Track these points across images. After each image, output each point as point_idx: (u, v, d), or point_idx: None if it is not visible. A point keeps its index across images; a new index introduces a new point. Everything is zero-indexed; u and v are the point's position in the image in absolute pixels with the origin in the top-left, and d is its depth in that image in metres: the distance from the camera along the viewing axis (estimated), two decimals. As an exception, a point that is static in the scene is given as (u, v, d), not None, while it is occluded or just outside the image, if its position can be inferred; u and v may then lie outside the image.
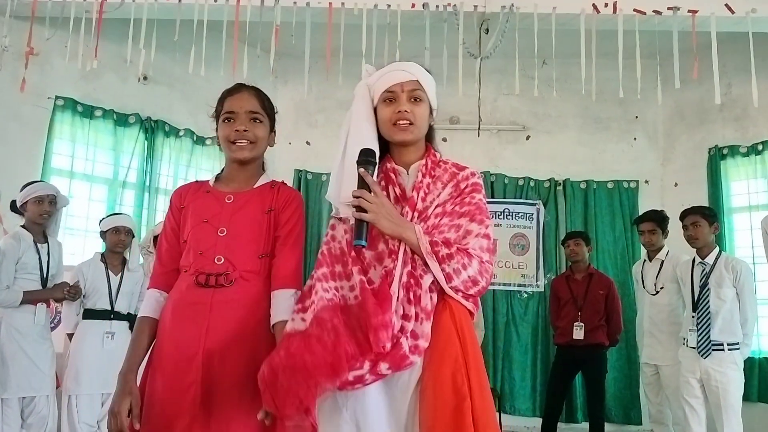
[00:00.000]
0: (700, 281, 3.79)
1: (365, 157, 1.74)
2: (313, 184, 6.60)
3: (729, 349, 3.65)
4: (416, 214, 1.73)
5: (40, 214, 3.61)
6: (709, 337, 3.66)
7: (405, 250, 1.68)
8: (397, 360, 1.57)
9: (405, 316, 1.61)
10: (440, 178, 1.81)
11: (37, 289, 3.55)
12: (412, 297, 1.63)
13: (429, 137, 1.92)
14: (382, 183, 1.80)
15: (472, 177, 1.82)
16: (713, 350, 3.65)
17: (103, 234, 3.98)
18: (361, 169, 1.71)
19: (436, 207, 1.75)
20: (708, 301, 3.71)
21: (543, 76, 5.15)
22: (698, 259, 3.84)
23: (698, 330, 3.70)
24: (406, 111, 1.78)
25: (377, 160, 1.77)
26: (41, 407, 3.49)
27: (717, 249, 3.85)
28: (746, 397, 5.37)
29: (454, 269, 1.65)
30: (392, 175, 1.82)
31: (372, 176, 1.72)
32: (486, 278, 1.71)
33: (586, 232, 5.26)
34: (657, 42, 4.65)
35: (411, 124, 1.78)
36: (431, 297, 1.66)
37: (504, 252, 6.36)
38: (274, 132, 2.06)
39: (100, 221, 4.07)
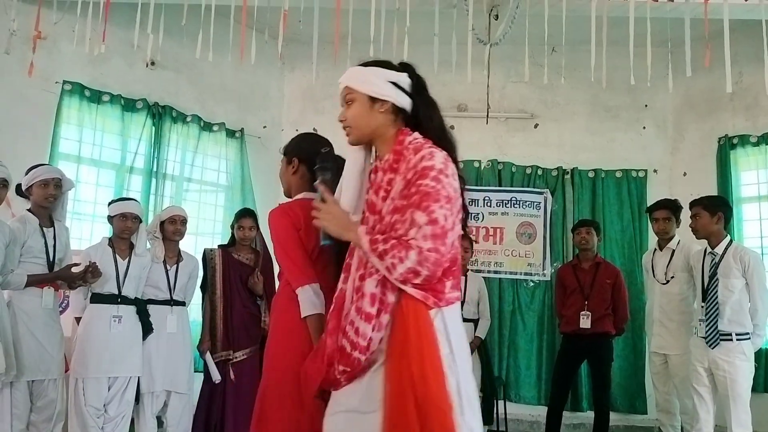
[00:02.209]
0: (710, 271, 3.77)
1: (320, 164, 2.03)
2: (320, 170, 6.56)
3: (738, 340, 3.63)
4: (376, 216, 1.83)
5: (45, 197, 3.60)
6: (716, 327, 3.65)
7: (359, 255, 1.84)
8: (345, 360, 1.78)
9: (351, 322, 1.79)
10: (399, 170, 1.83)
11: (42, 272, 3.54)
12: (356, 301, 1.79)
13: (405, 119, 1.96)
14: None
15: (422, 161, 1.79)
16: (721, 340, 3.63)
17: (110, 219, 3.98)
18: (317, 182, 1.98)
19: (390, 204, 1.81)
20: (716, 292, 3.70)
21: (552, 64, 5.11)
22: (709, 249, 3.82)
23: (706, 320, 3.69)
24: (341, 119, 1.99)
25: (332, 160, 2.09)
26: (50, 391, 3.51)
27: (727, 239, 3.82)
28: (753, 388, 5.38)
29: (391, 263, 1.71)
30: (372, 176, 1.94)
31: (329, 178, 1.98)
32: (427, 266, 1.72)
33: (597, 222, 5.24)
34: (669, 29, 4.59)
35: (349, 127, 1.97)
36: (375, 298, 1.77)
37: (510, 240, 6.35)
38: (292, 163, 2.48)
39: (109, 204, 4.07)
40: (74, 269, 3.62)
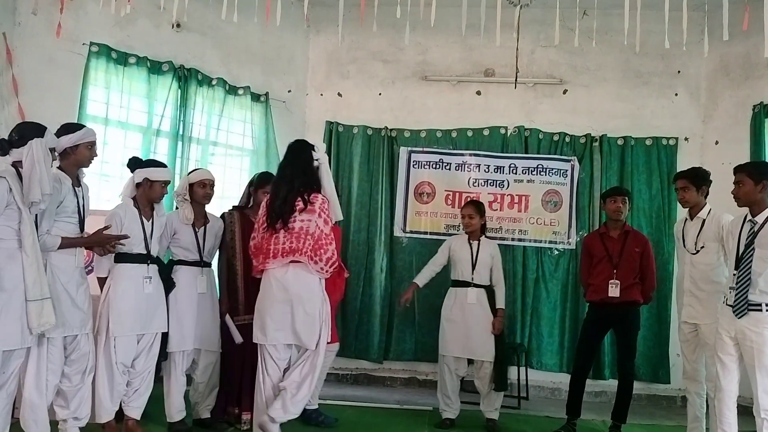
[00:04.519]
0: (747, 239, 3.67)
1: None
2: (344, 136, 6.56)
3: (767, 310, 3.56)
4: None
5: (90, 158, 3.66)
6: (746, 297, 3.57)
7: None
8: None
9: None
10: None
11: (75, 231, 3.59)
12: None
13: None
14: None
15: None
16: (750, 310, 3.57)
17: (149, 182, 3.95)
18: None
19: None
20: (751, 261, 3.60)
21: (583, 27, 5.00)
22: (749, 217, 3.72)
23: (737, 289, 3.60)
24: None
25: None
26: (83, 344, 3.59)
27: None
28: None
29: None
30: None
31: None
32: None
33: (630, 191, 5.14)
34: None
35: None
36: None
37: (536, 208, 6.30)
38: None
39: (136, 165, 4.02)
40: (105, 232, 3.67)
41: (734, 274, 3.65)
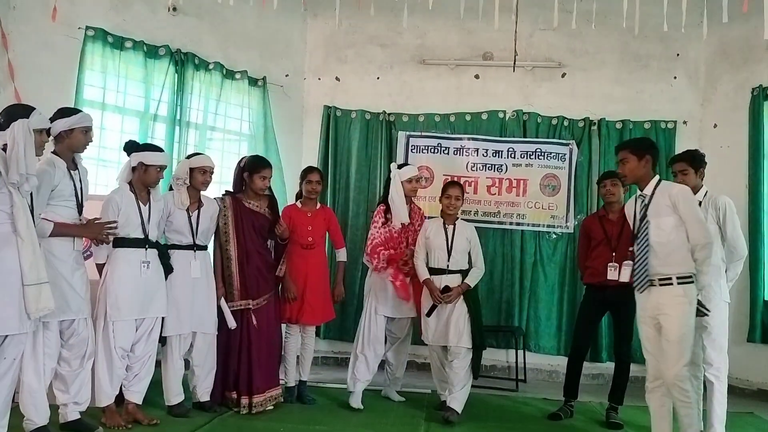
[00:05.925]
0: (640, 213, 3.66)
1: None
2: (342, 120, 6.55)
3: (679, 283, 3.54)
4: None
5: (85, 143, 3.65)
6: (646, 270, 3.53)
7: None
8: None
9: None
10: None
11: (73, 215, 3.58)
12: None
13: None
14: None
15: None
16: (661, 284, 3.54)
17: (144, 167, 3.93)
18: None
19: None
20: (647, 233, 3.57)
21: (582, 10, 4.97)
22: (638, 193, 3.73)
23: (636, 263, 3.58)
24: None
25: None
26: (81, 329, 3.60)
27: (656, 179, 3.68)
28: (751, 339, 5.39)
29: None
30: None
31: None
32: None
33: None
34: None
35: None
36: None
37: (534, 192, 6.31)
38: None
39: (134, 149, 4.01)
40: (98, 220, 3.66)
41: (630, 250, 3.63)
